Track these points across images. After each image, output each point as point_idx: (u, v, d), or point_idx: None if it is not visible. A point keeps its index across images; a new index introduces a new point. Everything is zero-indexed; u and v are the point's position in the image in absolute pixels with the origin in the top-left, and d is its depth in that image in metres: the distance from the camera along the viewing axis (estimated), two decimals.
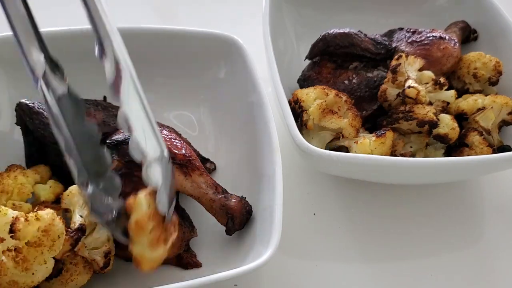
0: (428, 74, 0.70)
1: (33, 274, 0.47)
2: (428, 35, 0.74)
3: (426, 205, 0.70)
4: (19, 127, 0.61)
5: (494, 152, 0.68)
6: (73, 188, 0.53)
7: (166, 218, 0.47)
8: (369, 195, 0.70)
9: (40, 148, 0.59)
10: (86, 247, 0.52)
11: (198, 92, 0.74)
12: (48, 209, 0.49)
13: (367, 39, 0.74)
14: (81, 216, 0.52)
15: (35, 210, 0.53)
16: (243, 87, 0.68)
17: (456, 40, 0.75)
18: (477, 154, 0.66)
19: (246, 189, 0.61)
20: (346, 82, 0.72)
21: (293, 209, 0.66)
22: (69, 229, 0.50)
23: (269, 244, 0.51)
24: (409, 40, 0.74)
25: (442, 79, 0.69)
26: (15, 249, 0.46)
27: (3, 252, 0.46)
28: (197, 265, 0.58)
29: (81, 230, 0.50)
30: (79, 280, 0.52)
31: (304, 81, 0.74)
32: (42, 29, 0.63)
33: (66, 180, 0.55)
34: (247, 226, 0.59)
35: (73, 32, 0.68)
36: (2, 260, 0.46)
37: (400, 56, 0.69)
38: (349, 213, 0.68)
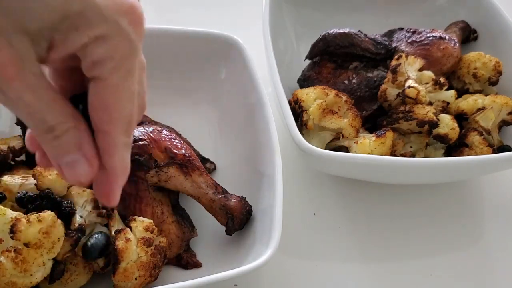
0: (428, 74, 0.70)
1: (31, 275, 0.47)
2: (428, 35, 0.74)
3: (426, 205, 0.70)
4: (19, 127, 0.61)
5: (494, 152, 0.68)
6: (73, 189, 0.53)
7: None
8: (369, 195, 0.70)
9: None
10: None
11: (198, 92, 0.74)
12: (49, 211, 0.49)
13: (367, 39, 0.74)
14: (81, 217, 0.52)
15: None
16: (243, 87, 0.68)
17: (456, 40, 0.75)
18: (477, 154, 0.66)
19: (246, 189, 0.61)
20: (346, 82, 0.72)
21: (293, 209, 0.66)
22: (69, 230, 0.50)
23: (269, 244, 0.51)
24: (409, 40, 0.74)
25: (442, 79, 0.69)
26: (14, 250, 0.46)
27: (2, 252, 0.46)
28: (197, 265, 0.58)
29: (81, 230, 0.50)
30: (79, 280, 0.52)
31: (304, 81, 0.74)
32: None
33: None
34: (247, 226, 0.59)
35: None
36: (1, 261, 0.46)
37: (400, 56, 0.69)
38: (349, 213, 0.68)
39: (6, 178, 0.53)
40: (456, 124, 0.67)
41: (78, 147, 0.34)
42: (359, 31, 0.74)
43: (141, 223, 0.52)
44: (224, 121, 0.72)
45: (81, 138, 0.34)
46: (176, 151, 0.58)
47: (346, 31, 0.73)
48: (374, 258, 0.64)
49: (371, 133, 0.67)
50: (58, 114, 0.33)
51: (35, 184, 0.52)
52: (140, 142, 0.57)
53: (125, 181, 0.38)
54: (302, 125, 0.66)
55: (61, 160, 0.35)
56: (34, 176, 0.52)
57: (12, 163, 0.60)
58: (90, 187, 0.53)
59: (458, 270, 0.64)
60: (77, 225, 0.51)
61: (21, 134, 0.61)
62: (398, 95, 0.68)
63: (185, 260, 0.58)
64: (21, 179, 0.53)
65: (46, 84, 0.33)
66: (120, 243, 0.50)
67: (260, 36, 0.71)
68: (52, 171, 0.52)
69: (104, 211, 0.54)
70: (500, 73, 0.73)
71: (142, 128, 0.59)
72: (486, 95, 0.70)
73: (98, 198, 0.38)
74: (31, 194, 0.51)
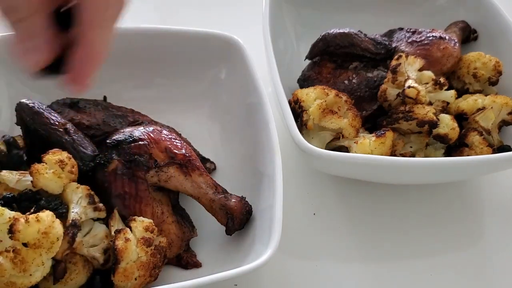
0: (428, 74, 0.70)
1: (30, 275, 0.47)
2: (428, 35, 0.74)
3: (426, 205, 0.70)
4: (19, 127, 0.61)
5: (494, 152, 0.67)
6: (67, 187, 0.53)
7: None
8: (369, 195, 0.70)
9: (41, 148, 0.59)
10: (84, 245, 0.52)
11: (198, 92, 0.74)
12: (48, 211, 0.49)
13: (367, 39, 0.74)
14: (76, 213, 0.51)
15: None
16: (243, 87, 0.68)
17: (456, 40, 0.75)
18: (477, 154, 0.66)
19: (246, 189, 0.61)
20: (346, 82, 0.72)
21: (293, 209, 0.66)
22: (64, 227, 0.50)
23: (269, 244, 0.51)
24: (409, 40, 0.74)
25: (442, 79, 0.69)
26: (13, 250, 0.46)
27: (0, 253, 0.46)
28: (197, 265, 0.58)
29: (75, 225, 0.50)
30: (79, 279, 0.52)
31: (304, 81, 0.74)
32: None
33: None
34: (247, 226, 0.59)
35: None
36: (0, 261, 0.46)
37: (400, 56, 0.69)
38: (349, 213, 0.68)
39: (4, 172, 0.53)
40: (456, 124, 0.67)
41: (37, 34, 0.39)
42: (359, 31, 0.74)
43: (141, 223, 0.53)
44: (224, 121, 0.72)
45: (40, 26, 0.39)
46: (176, 151, 0.58)
47: (346, 31, 0.73)
48: (374, 258, 0.64)
49: (371, 133, 0.67)
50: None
51: (31, 181, 0.52)
52: (140, 142, 0.57)
53: (99, 67, 0.42)
54: (302, 125, 0.66)
55: (21, 44, 0.40)
56: (31, 174, 0.52)
57: None
58: (83, 183, 0.54)
59: (458, 270, 0.64)
60: (70, 221, 0.50)
61: (21, 134, 0.61)
62: (398, 95, 0.68)
63: (185, 260, 0.58)
64: (19, 175, 0.53)
65: None
66: (120, 243, 0.50)
67: (260, 36, 0.71)
68: (48, 170, 0.52)
69: (101, 205, 0.54)
70: (500, 73, 0.73)
71: (142, 128, 0.59)
72: (486, 95, 0.70)
73: (71, 83, 0.43)
74: (8, 195, 0.52)
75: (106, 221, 0.54)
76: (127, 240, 0.50)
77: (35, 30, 0.39)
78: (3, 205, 0.49)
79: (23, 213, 0.49)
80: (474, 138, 0.67)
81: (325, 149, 0.63)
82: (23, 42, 0.40)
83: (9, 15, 0.38)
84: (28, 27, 0.39)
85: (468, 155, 0.67)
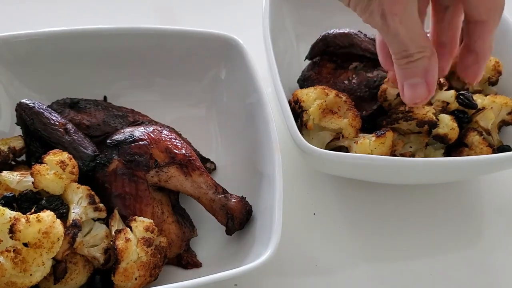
0: None
1: (31, 275, 0.47)
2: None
3: (426, 205, 0.70)
4: (19, 127, 0.61)
5: (494, 152, 0.68)
6: (68, 187, 0.53)
7: None
8: (369, 195, 0.70)
9: (41, 148, 0.59)
10: (84, 245, 0.52)
11: (199, 92, 0.74)
12: (49, 211, 0.49)
13: (367, 39, 0.74)
14: (77, 213, 0.51)
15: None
16: (243, 87, 0.68)
17: None
18: (476, 154, 0.66)
19: (246, 189, 0.61)
20: (346, 82, 0.72)
21: (293, 209, 0.66)
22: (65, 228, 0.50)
23: (269, 244, 0.51)
24: None
25: (441, 79, 0.69)
26: (14, 250, 0.46)
27: (1, 252, 0.46)
28: (197, 265, 0.58)
29: (76, 226, 0.50)
30: (79, 279, 0.52)
31: (304, 81, 0.74)
32: (43, 29, 0.64)
33: None
34: (247, 226, 0.59)
35: (73, 32, 0.68)
36: (0, 261, 0.46)
37: None
38: (349, 213, 0.68)
39: (5, 173, 0.53)
40: (455, 124, 0.67)
41: (424, 74, 0.45)
42: (359, 31, 0.74)
43: (141, 223, 0.53)
44: (224, 121, 0.72)
45: (429, 67, 0.45)
46: (177, 151, 0.58)
47: (346, 31, 0.73)
48: (374, 258, 0.64)
49: (371, 133, 0.67)
50: (419, 46, 0.44)
51: (32, 182, 0.52)
52: (140, 142, 0.57)
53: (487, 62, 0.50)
54: (302, 125, 0.66)
55: (406, 81, 0.46)
56: (32, 175, 0.52)
57: (13, 163, 0.60)
58: (84, 183, 0.54)
59: (458, 270, 0.64)
60: (71, 221, 0.50)
61: (21, 134, 0.61)
62: (398, 95, 0.68)
63: (185, 260, 0.58)
64: (20, 176, 0.53)
65: (417, 23, 0.44)
66: (120, 243, 0.50)
67: (260, 36, 0.71)
68: (50, 171, 0.52)
69: (101, 205, 0.54)
70: (500, 73, 0.73)
71: (142, 128, 0.59)
72: (486, 95, 0.70)
73: (465, 78, 0.51)
74: (9, 195, 0.52)
75: (106, 221, 0.55)
76: (127, 240, 0.50)
77: (422, 71, 0.46)
78: (3, 205, 0.49)
79: (24, 213, 0.49)
80: (474, 138, 0.67)
81: (325, 149, 0.63)
82: (406, 80, 0.47)
83: (399, 59, 0.46)
84: (415, 68, 0.46)
85: (468, 155, 0.67)
